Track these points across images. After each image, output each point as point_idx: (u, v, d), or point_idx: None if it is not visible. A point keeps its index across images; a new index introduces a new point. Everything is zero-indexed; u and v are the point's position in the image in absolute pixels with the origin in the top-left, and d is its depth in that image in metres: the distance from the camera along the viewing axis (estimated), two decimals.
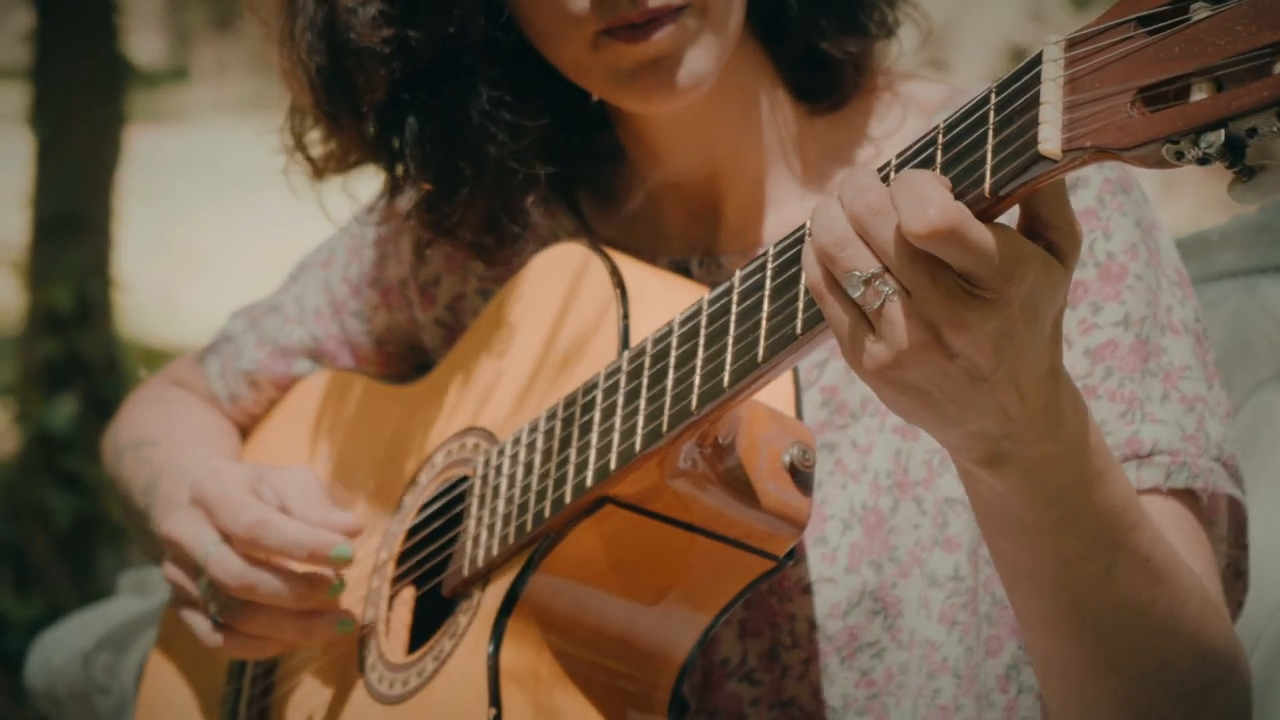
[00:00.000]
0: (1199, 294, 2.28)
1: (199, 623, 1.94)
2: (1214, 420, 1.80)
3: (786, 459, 1.75)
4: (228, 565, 1.89)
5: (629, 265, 1.87)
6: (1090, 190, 1.82)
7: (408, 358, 2.18)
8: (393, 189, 2.00)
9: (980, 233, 1.38)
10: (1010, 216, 1.43)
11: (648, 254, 1.99)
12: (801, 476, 1.76)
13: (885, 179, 1.46)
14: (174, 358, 2.43)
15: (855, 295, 1.43)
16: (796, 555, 1.86)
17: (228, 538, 1.90)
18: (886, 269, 1.42)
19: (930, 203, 1.37)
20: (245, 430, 2.29)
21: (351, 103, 1.90)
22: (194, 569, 1.93)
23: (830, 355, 1.90)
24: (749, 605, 1.91)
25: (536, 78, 1.93)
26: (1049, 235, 1.43)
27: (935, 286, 1.40)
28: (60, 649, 2.55)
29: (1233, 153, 1.28)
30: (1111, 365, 1.78)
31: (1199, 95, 1.29)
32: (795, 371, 1.81)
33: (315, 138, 2.00)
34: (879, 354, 1.44)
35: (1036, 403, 1.47)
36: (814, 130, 1.97)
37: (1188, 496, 1.77)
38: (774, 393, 1.77)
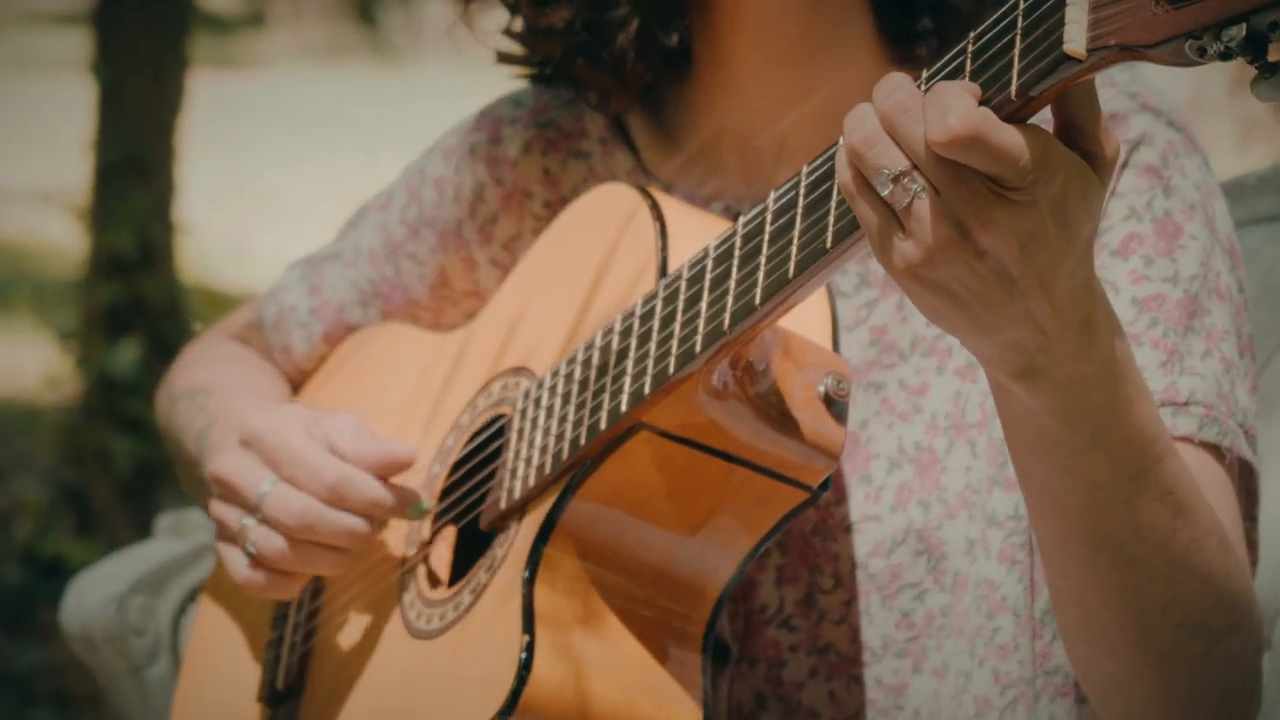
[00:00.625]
0: (1247, 240, 2.26)
1: (236, 558, 1.95)
2: (1243, 388, 1.80)
3: (821, 389, 1.74)
4: (289, 504, 1.90)
5: (670, 203, 1.86)
6: (1154, 149, 1.81)
7: (461, 303, 2.17)
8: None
9: (1004, 137, 1.37)
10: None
11: (701, 199, 1.99)
12: (836, 406, 1.75)
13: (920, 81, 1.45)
14: (241, 303, 2.43)
15: (884, 193, 1.42)
16: (841, 493, 1.86)
17: (293, 485, 1.91)
18: (915, 166, 1.41)
19: (951, 110, 1.37)
20: (296, 383, 2.29)
21: None
22: (247, 506, 1.94)
23: (880, 295, 1.90)
24: (787, 550, 1.91)
25: None
26: (1084, 143, 1.42)
27: (962, 185, 1.39)
28: (94, 591, 2.55)
29: (1255, 47, 1.26)
30: (1157, 316, 1.78)
31: None
32: (833, 305, 1.80)
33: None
34: (908, 252, 1.44)
35: (1071, 316, 1.46)
36: None
37: (1216, 451, 1.76)
38: (812, 325, 1.77)
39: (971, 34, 1.43)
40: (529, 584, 1.76)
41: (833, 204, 1.55)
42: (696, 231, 1.82)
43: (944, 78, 1.44)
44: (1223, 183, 2.27)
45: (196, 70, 6.58)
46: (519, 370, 1.93)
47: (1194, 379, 1.77)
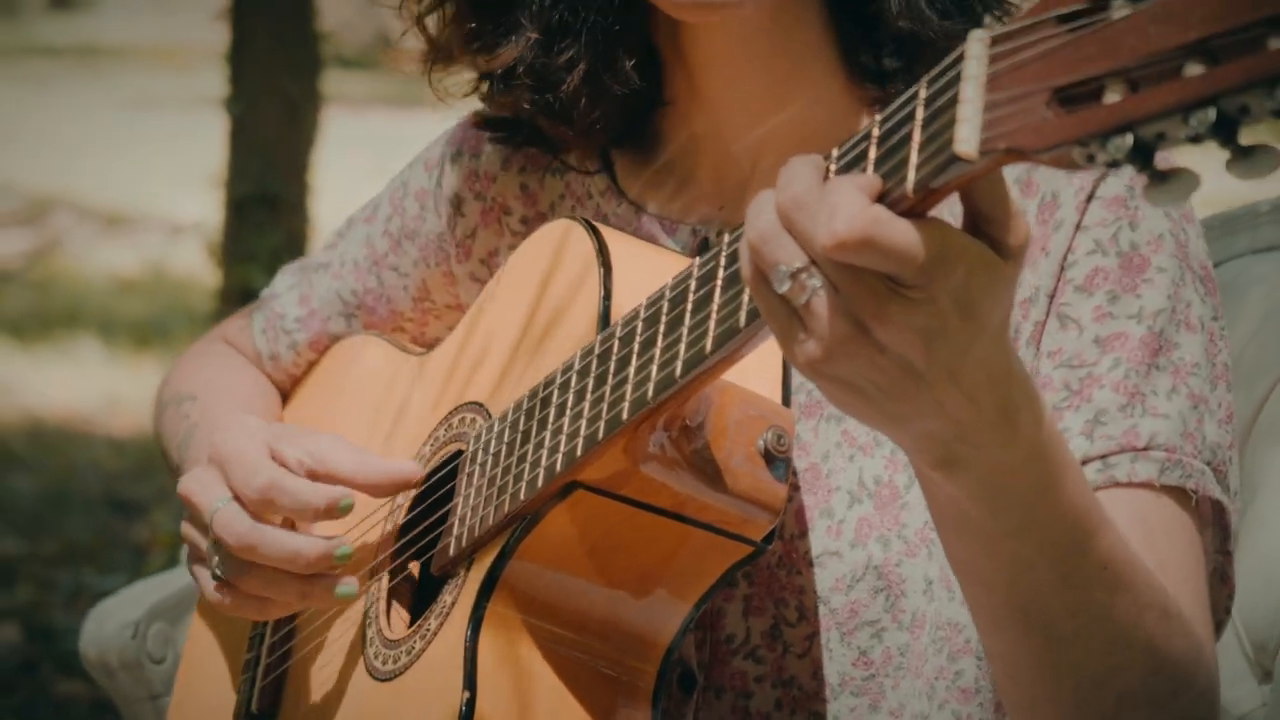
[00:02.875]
0: (1245, 267, 2.24)
1: (205, 579, 1.96)
2: (1212, 423, 1.78)
3: (760, 443, 1.73)
4: (232, 524, 1.90)
5: (619, 245, 1.86)
6: (1122, 178, 1.80)
7: (444, 315, 2.19)
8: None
9: (897, 237, 1.35)
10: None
11: (671, 218, 1.99)
12: (776, 462, 1.73)
13: (827, 161, 1.44)
14: None
15: (781, 289, 1.40)
16: (805, 526, 1.86)
17: (239, 498, 1.91)
18: (813, 262, 1.39)
19: (839, 213, 1.35)
20: (286, 390, 2.31)
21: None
22: (203, 526, 1.94)
23: None
24: (754, 580, 1.90)
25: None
26: (990, 230, 1.39)
27: (858, 283, 1.37)
28: (113, 618, 2.58)
29: (1141, 157, 1.23)
30: (1120, 356, 1.76)
31: (1112, 97, 1.25)
32: None
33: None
34: (810, 348, 1.42)
35: (987, 404, 1.44)
36: (863, 115, 1.94)
37: (1180, 494, 1.75)
38: (761, 375, 1.76)
39: (879, 116, 1.42)
40: (472, 640, 1.77)
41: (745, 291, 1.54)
42: (642, 277, 1.82)
43: (851, 159, 1.42)
44: (1235, 211, 2.26)
45: (330, 106, 6.65)
46: (476, 406, 1.94)
47: (1156, 420, 1.75)
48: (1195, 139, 1.20)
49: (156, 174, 11.44)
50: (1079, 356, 1.78)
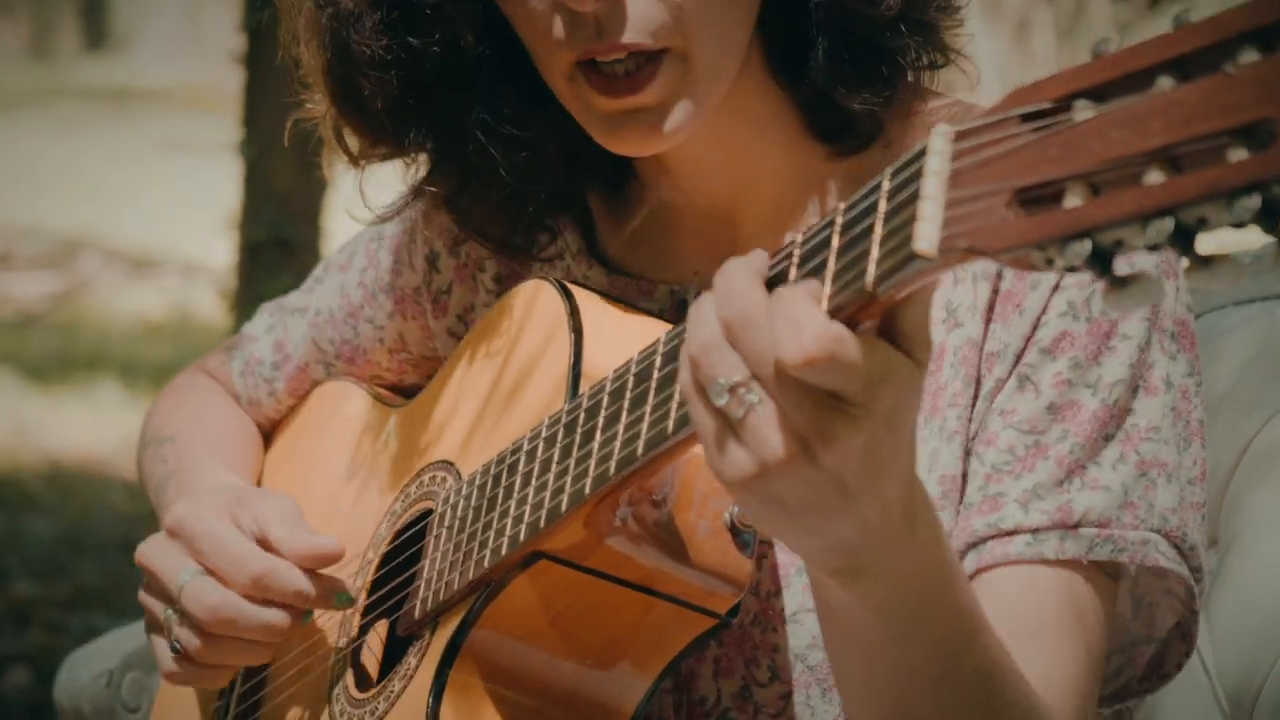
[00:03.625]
0: (1226, 318, 2.25)
1: (162, 649, 1.97)
2: (1170, 487, 1.77)
3: (727, 516, 1.73)
4: (205, 598, 1.91)
5: (591, 309, 1.85)
6: None
7: (421, 365, 2.19)
8: (412, 188, 2.02)
9: (853, 353, 1.35)
10: None
11: (650, 277, 1.98)
12: (742, 535, 1.73)
13: (786, 256, 1.42)
14: None
15: (719, 403, 1.39)
16: (780, 585, 1.85)
17: (216, 576, 1.91)
18: (755, 377, 1.38)
19: (805, 329, 1.34)
20: (267, 431, 2.31)
21: (358, 104, 1.91)
22: (167, 598, 1.94)
23: None
24: (723, 642, 1.89)
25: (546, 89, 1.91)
26: (906, 347, 1.39)
27: (806, 401, 1.36)
28: (87, 667, 2.58)
29: (1100, 263, 1.22)
30: (1069, 429, 1.77)
31: (1072, 201, 1.23)
32: None
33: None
34: (742, 463, 1.40)
35: (896, 511, 1.44)
36: (836, 169, 1.92)
37: (1113, 566, 1.76)
38: None
39: (842, 205, 1.41)
40: (434, 707, 1.77)
41: (677, 388, 1.52)
42: (614, 341, 1.81)
43: (816, 245, 1.41)
44: (1240, 254, 2.24)
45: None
46: (446, 464, 1.93)
47: (1093, 494, 1.75)
48: (1153, 248, 1.19)
49: (185, 217, 11.46)
50: (1030, 422, 1.78)
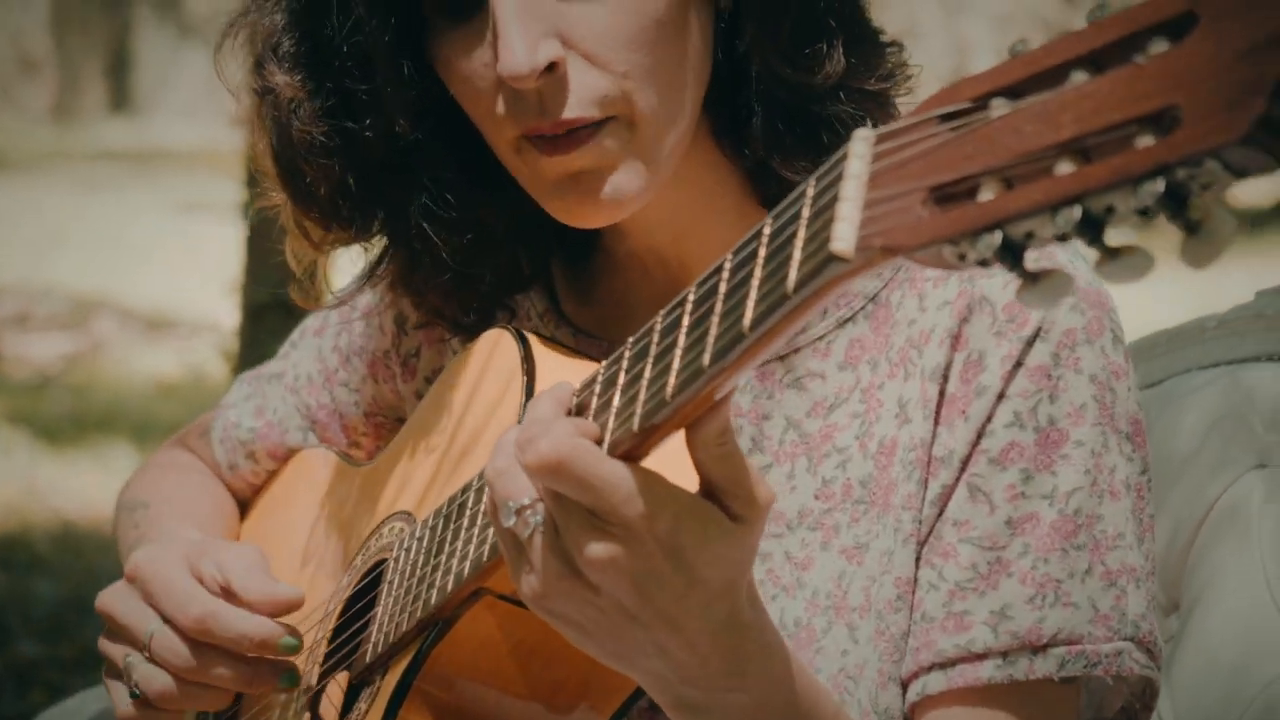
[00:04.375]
0: (1191, 382, 2.23)
1: (120, 695, 1.96)
2: (1138, 593, 1.76)
3: None
4: (174, 648, 1.91)
5: (546, 359, 1.85)
6: (1049, 344, 1.77)
7: (396, 429, 2.17)
8: (366, 267, 2.02)
9: (594, 467, 1.40)
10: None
11: (612, 339, 1.97)
12: None
13: (589, 385, 1.48)
14: None
15: (508, 524, 1.46)
16: None
17: (170, 622, 1.91)
18: (541, 499, 1.44)
19: (542, 438, 1.40)
20: (247, 498, 2.31)
21: (305, 191, 1.90)
22: (135, 644, 1.94)
23: (773, 461, 1.85)
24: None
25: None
26: (719, 498, 1.44)
27: (568, 518, 1.42)
28: None
29: (1010, 256, 1.21)
30: (1029, 542, 1.74)
31: (986, 195, 1.22)
32: None
33: None
34: (532, 583, 1.47)
35: (712, 653, 1.47)
36: None
37: (1079, 678, 1.76)
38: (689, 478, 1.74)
39: (771, 214, 1.40)
40: None
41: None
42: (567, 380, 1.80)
43: (744, 257, 1.41)
44: (1184, 326, 2.27)
45: None
46: (405, 515, 1.93)
47: (1063, 612, 1.74)
48: (1062, 238, 1.18)
49: (200, 277, 11.51)
50: (990, 537, 1.76)
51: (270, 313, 6.13)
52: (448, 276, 1.93)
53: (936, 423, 1.79)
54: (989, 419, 1.76)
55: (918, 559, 1.79)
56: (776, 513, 1.85)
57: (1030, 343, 1.76)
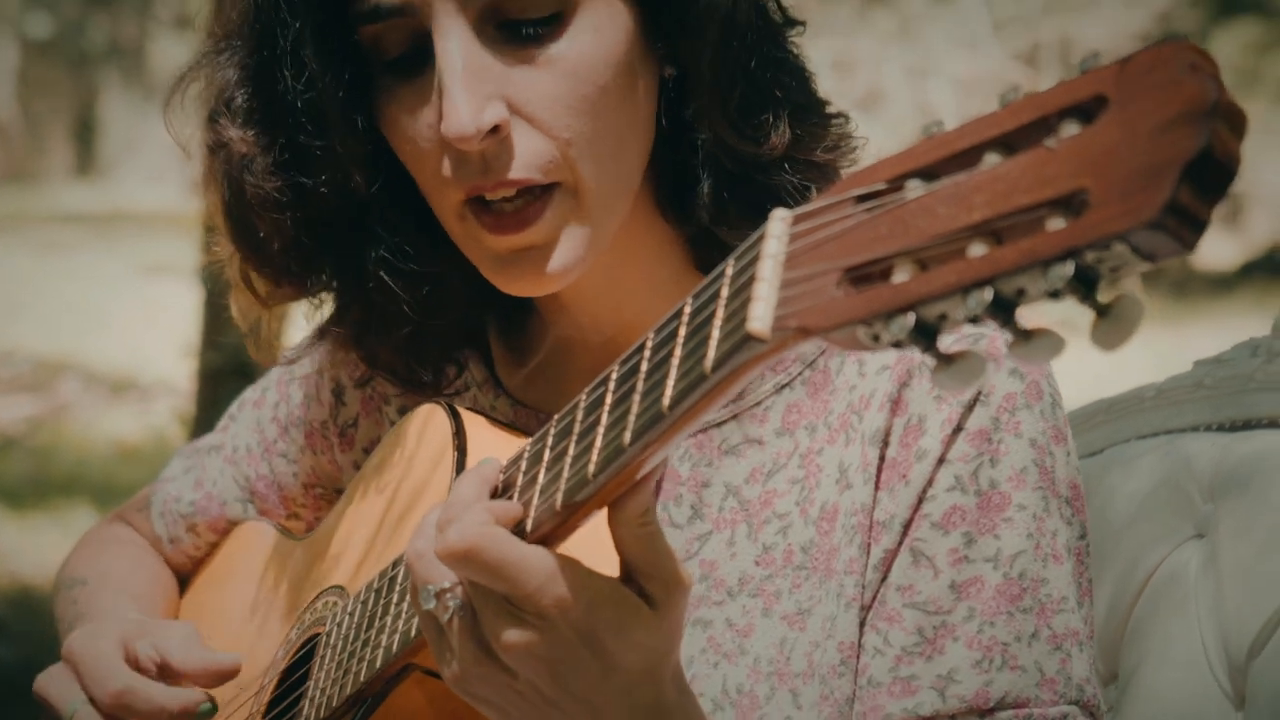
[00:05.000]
0: (1131, 452, 2.24)
1: None
2: (1081, 656, 1.76)
3: None
4: None
5: (478, 433, 1.84)
6: (989, 409, 1.77)
7: (335, 500, 2.17)
8: (318, 325, 2.01)
9: (507, 554, 1.42)
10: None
11: (550, 410, 1.96)
12: None
13: (515, 463, 1.50)
14: None
15: (427, 606, 1.47)
16: None
17: (92, 700, 1.92)
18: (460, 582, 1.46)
19: (456, 521, 1.43)
20: (187, 572, 2.30)
21: (257, 246, 1.90)
22: None
23: (713, 529, 1.85)
24: None
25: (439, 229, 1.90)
26: (637, 580, 1.45)
27: (484, 603, 1.44)
28: None
29: (924, 339, 1.21)
30: (975, 606, 1.75)
31: (900, 277, 1.23)
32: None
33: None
34: (452, 665, 1.49)
35: None
36: None
37: None
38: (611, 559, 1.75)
39: (692, 294, 1.41)
40: None
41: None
42: (498, 454, 1.80)
43: (664, 337, 1.41)
44: (1122, 396, 2.27)
45: None
46: (338, 589, 1.93)
47: (1011, 675, 1.73)
48: (974, 320, 1.19)
49: (163, 340, 11.50)
50: (935, 602, 1.76)
51: (227, 377, 6.12)
52: (402, 331, 1.92)
53: (878, 487, 1.79)
54: (930, 483, 1.77)
55: (861, 624, 1.78)
56: (717, 580, 1.84)
57: (970, 407, 1.76)
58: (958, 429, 1.77)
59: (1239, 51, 18.75)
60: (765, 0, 1.84)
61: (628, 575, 1.45)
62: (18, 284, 14.25)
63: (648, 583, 1.45)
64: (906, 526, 1.77)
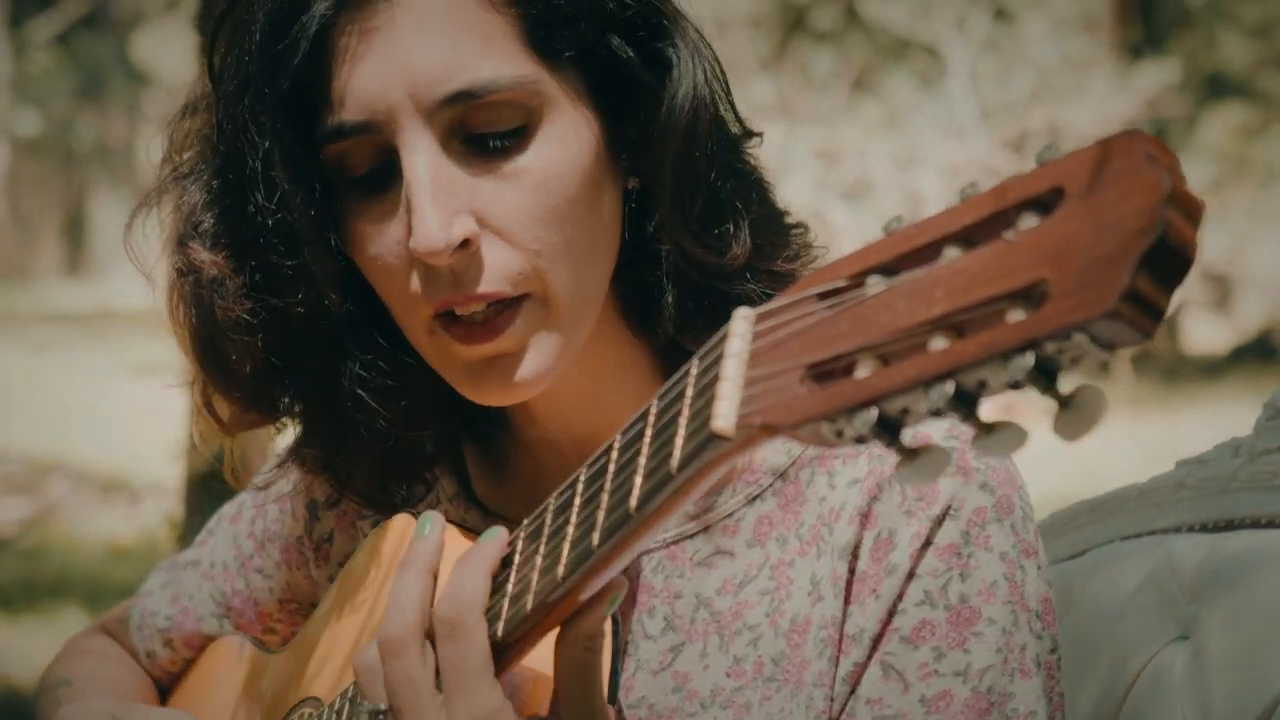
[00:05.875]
0: (1115, 553, 2.24)
1: None
2: None
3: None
4: None
5: (451, 537, 1.82)
6: (959, 522, 1.77)
7: (310, 614, 2.15)
8: (289, 450, 1.99)
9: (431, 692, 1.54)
10: None
11: (521, 518, 1.94)
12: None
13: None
14: None
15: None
16: None
17: None
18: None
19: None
20: (165, 687, 2.29)
21: (226, 370, 1.88)
22: None
23: (685, 640, 1.84)
24: None
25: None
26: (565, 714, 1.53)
27: None
28: None
29: (887, 433, 1.21)
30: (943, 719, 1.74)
31: (862, 372, 1.23)
32: (615, 647, 1.75)
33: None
34: None
35: None
36: None
37: None
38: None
39: (657, 394, 1.42)
40: None
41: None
42: None
43: (631, 437, 1.42)
44: (1105, 496, 2.27)
45: None
46: (314, 701, 1.92)
47: None
48: (936, 413, 1.19)
49: (153, 440, 11.51)
50: (904, 716, 1.75)
51: (215, 480, 6.11)
52: (374, 451, 1.91)
53: (847, 601, 1.78)
54: (900, 597, 1.76)
55: None
56: (690, 691, 1.84)
57: (940, 521, 1.76)
58: (927, 543, 1.76)
59: (1227, 136, 18.86)
60: (724, 112, 1.84)
61: (553, 709, 1.50)
62: (8, 383, 14.26)
63: (570, 713, 1.50)
64: (876, 640, 1.77)
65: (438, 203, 1.72)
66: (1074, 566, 2.32)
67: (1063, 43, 18.28)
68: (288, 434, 2.01)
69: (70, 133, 22.52)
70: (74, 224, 22.13)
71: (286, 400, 1.91)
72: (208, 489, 6.13)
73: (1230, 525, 2.22)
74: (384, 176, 1.76)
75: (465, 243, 1.72)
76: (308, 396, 1.90)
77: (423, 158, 1.73)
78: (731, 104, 1.86)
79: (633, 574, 1.84)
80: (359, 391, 1.86)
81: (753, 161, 1.87)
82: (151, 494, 11.30)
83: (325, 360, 1.87)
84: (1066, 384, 1.17)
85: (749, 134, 1.87)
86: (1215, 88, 19.30)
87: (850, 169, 17.35)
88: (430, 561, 1.63)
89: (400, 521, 1.90)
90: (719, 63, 1.86)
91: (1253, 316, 17.56)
